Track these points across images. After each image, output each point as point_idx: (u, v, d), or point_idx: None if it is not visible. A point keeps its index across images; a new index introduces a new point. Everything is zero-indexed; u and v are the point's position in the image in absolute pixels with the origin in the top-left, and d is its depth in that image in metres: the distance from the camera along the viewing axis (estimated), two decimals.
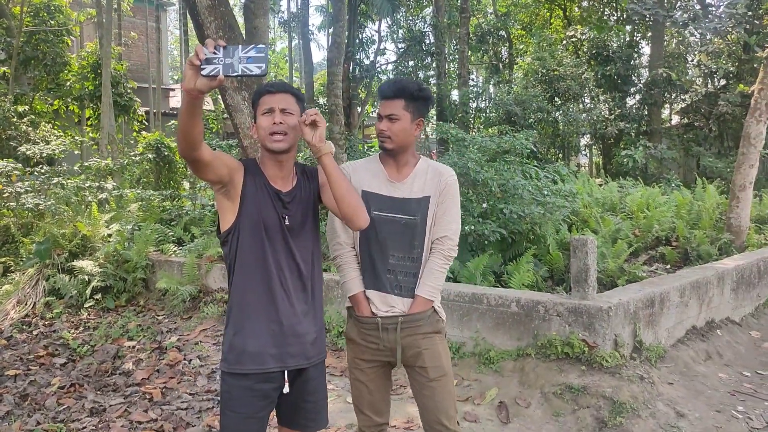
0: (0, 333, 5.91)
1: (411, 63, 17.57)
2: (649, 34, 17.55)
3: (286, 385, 2.13)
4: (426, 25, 17.77)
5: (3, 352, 5.38)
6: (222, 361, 2.14)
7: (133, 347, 5.42)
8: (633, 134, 16.09)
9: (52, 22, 15.25)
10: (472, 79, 22.76)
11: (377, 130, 2.48)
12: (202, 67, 1.73)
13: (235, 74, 1.76)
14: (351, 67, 14.81)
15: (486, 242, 5.89)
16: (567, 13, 20.82)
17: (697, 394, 4.13)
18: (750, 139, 6.95)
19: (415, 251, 2.46)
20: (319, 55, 47.89)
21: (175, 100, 23.46)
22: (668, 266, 6.74)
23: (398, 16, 17.17)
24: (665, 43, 17.32)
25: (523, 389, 4.05)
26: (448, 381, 2.47)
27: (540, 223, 6.38)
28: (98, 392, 4.44)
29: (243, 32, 6.96)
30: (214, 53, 1.73)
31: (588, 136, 17.52)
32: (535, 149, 12.40)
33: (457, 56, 17.82)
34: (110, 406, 4.18)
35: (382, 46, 17.54)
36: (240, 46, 1.75)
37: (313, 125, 2.05)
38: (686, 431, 3.59)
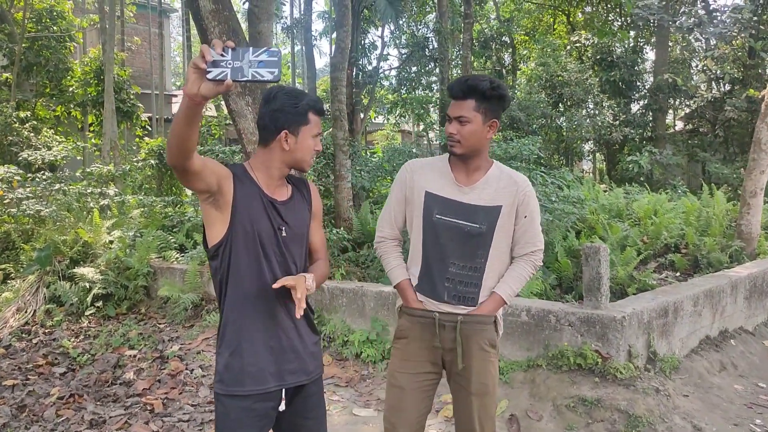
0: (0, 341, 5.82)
1: (414, 68, 17.46)
2: (654, 39, 17.49)
3: (282, 403, 2.03)
4: (429, 31, 17.70)
5: (1, 362, 5.28)
6: (217, 382, 1.99)
7: (134, 356, 5.32)
8: (637, 140, 15.99)
9: (54, 28, 15.21)
10: None
11: (446, 132, 2.32)
12: (208, 70, 1.55)
13: (245, 79, 1.56)
14: (354, 73, 14.74)
15: None
16: (571, 19, 20.78)
17: (713, 407, 4.02)
18: (761, 145, 6.84)
19: (478, 261, 2.30)
20: (321, 61, 47.96)
21: (178, 106, 23.43)
22: (678, 274, 6.63)
23: (401, 22, 17.11)
24: (669, 48, 17.26)
25: (534, 401, 3.94)
26: (490, 402, 2.32)
27: (548, 230, 6.27)
28: (98, 403, 4.34)
29: (246, 37, 6.89)
30: (222, 55, 1.55)
31: (592, 141, 17.44)
32: (539, 155, 12.34)
33: (460, 62, 17.76)
34: (110, 417, 4.07)
35: (385, 52, 17.48)
36: (251, 49, 1.56)
37: None
38: None
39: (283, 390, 2.02)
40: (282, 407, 2.02)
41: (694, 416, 3.76)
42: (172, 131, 1.67)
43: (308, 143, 2.03)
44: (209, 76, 1.55)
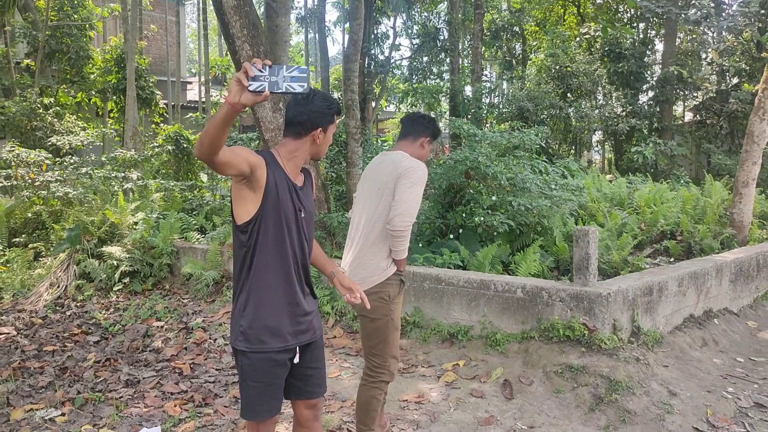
0: (35, 313, 6.29)
1: (425, 59, 17.78)
2: (663, 31, 17.68)
3: (297, 356, 2.41)
4: (440, 21, 17.97)
5: (39, 331, 5.75)
6: (240, 340, 2.28)
7: (161, 327, 5.77)
8: (645, 131, 16.26)
9: (75, 17, 15.64)
10: (486, 75, 22.98)
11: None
12: (249, 83, 1.85)
13: (280, 91, 1.88)
14: (366, 62, 15.08)
15: (495, 233, 6.18)
16: (581, 10, 20.96)
17: (690, 377, 4.41)
18: (753, 137, 7.17)
19: None
20: (333, 48, 48.14)
21: (193, 93, 23.86)
22: (672, 259, 6.99)
23: (413, 12, 17.39)
24: (679, 40, 17.44)
25: (526, 369, 4.35)
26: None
27: (547, 215, 6.66)
28: (131, 366, 4.79)
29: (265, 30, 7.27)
30: (261, 71, 1.86)
31: (600, 132, 17.71)
32: (545, 145, 12.66)
33: (470, 52, 18.04)
34: (144, 378, 4.52)
35: (396, 42, 17.77)
36: (284, 66, 1.90)
37: None
38: (677, 408, 3.86)
39: (297, 346, 2.42)
40: (296, 360, 2.42)
41: (671, 383, 4.15)
42: (206, 132, 1.93)
43: (330, 138, 2.46)
44: (250, 88, 1.87)
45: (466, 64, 19.27)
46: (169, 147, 11.95)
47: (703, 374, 4.51)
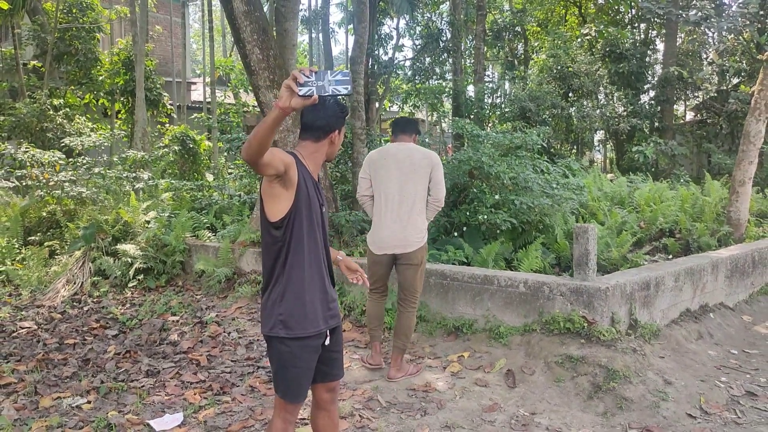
0: (54, 308, 6.52)
1: (428, 59, 17.96)
2: (663, 31, 17.84)
3: (328, 338, 2.62)
4: (443, 22, 18.15)
5: (59, 325, 5.97)
6: (279, 328, 2.47)
7: (177, 321, 5.99)
8: (646, 130, 16.43)
9: (83, 19, 15.89)
10: (488, 75, 23.12)
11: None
12: (298, 89, 2.02)
13: (327, 94, 2.05)
14: (370, 63, 15.26)
15: (498, 231, 6.39)
16: (582, 11, 21.13)
17: (685, 367, 4.61)
18: (750, 137, 7.36)
19: None
20: (336, 48, 48.39)
21: (197, 93, 24.07)
22: (670, 256, 7.18)
23: (416, 13, 17.57)
24: (679, 41, 17.61)
25: (528, 359, 4.56)
26: None
27: (549, 213, 6.86)
28: (151, 358, 5.01)
29: (274, 34, 7.48)
30: (308, 77, 2.04)
31: (601, 132, 17.89)
32: (546, 145, 12.83)
33: (473, 52, 18.21)
34: (163, 369, 4.74)
35: (400, 43, 17.96)
36: (328, 71, 2.08)
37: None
38: (672, 396, 4.07)
39: (327, 330, 2.63)
40: (327, 342, 2.63)
41: (666, 373, 4.35)
42: (255, 135, 2.09)
43: (342, 139, 2.70)
44: (300, 93, 2.04)
45: (468, 65, 19.45)
46: (176, 147, 12.17)
47: (697, 365, 4.71)
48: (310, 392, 2.70)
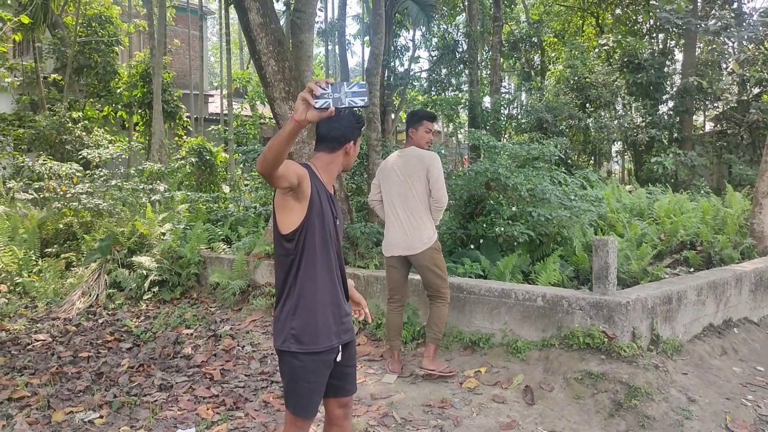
0: (69, 321, 6.52)
1: (444, 71, 17.95)
2: (682, 41, 17.67)
3: (340, 354, 2.56)
4: (459, 34, 18.16)
5: (74, 338, 5.96)
6: (291, 343, 2.43)
7: (191, 334, 5.96)
8: (665, 141, 16.24)
9: (102, 33, 16.09)
10: (504, 87, 23.09)
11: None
12: (315, 101, 1.98)
13: (343, 106, 2.00)
14: (386, 75, 15.28)
15: (515, 243, 6.29)
16: (599, 21, 21.02)
17: (709, 384, 4.47)
18: None
19: None
20: (352, 61, 48.61)
21: (214, 106, 24.27)
22: (691, 269, 7.03)
23: (432, 25, 17.58)
24: (699, 50, 17.43)
25: (547, 375, 4.45)
26: None
27: (567, 226, 6.75)
28: (164, 372, 4.97)
29: (289, 46, 7.48)
30: (324, 89, 1.99)
31: (619, 143, 17.71)
32: (564, 156, 12.72)
33: (489, 64, 18.18)
34: (176, 383, 4.70)
35: (416, 54, 17.97)
36: (345, 83, 2.02)
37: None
38: (696, 414, 3.94)
39: (340, 345, 2.57)
40: (339, 358, 2.57)
41: (690, 390, 4.22)
42: (271, 148, 2.07)
43: (358, 150, 2.64)
44: (317, 105, 2.00)
45: (484, 76, 19.41)
46: (192, 159, 12.22)
47: (722, 382, 4.57)
48: (322, 407, 2.64)
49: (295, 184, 2.30)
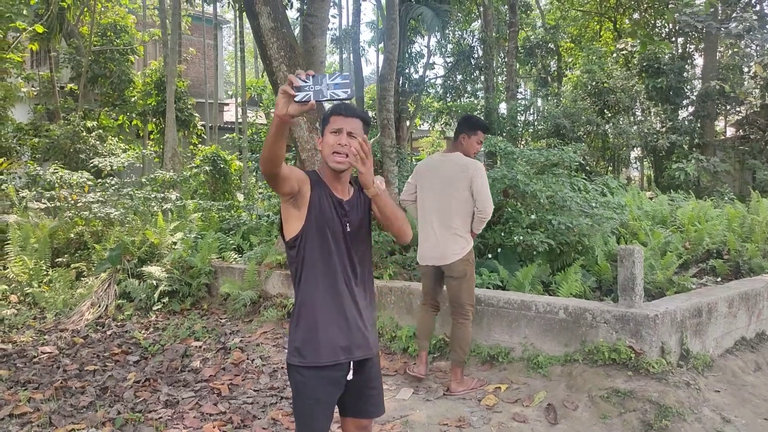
0: (77, 332, 6.38)
1: (459, 77, 17.79)
2: (702, 45, 17.34)
3: (351, 372, 2.36)
4: (474, 39, 17.99)
5: (81, 350, 5.82)
6: (294, 356, 2.32)
7: (200, 347, 5.78)
8: (685, 147, 15.90)
9: (117, 42, 16.12)
10: (521, 92, 22.84)
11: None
12: (294, 94, 1.91)
13: (325, 99, 1.93)
14: (400, 81, 15.13)
15: (535, 252, 6.06)
16: (617, 26, 20.73)
17: (744, 402, 4.21)
18: None
19: None
20: (367, 69, 48.58)
21: (230, 114, 24.27)
22: (719, 279, 6.74)
23: (447, 31, 17.43)
24: (720, 54, 17.08)
25: (570, 393, 4.21)
26: None
27: (588, 234, 6.50)
28: (170, 387, 4.80)
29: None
30: (305, 81, 1.92)
31: (639, 149, 17.39)
32: (583, 162, 12.45)
33: (505, 69, 17.96)
34: (183, 399, 4.52)
35: (431, 61, 17.81)
36: (327, 75, 1.94)
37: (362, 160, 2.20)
38: None
39: (351, 362, 2.37)
40: (350, 377, 2.37)
41: (724, 409, 3.97)
42: (264, 147, 2.05)
43: (328, 139, 2.35)
44: (296, 98, 1.93)
45: (500, 82, 19.18)
46: (207, 167, 12.14)
47: (758, 400, 4.30)
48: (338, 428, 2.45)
49: (296, 190, 2.24)
